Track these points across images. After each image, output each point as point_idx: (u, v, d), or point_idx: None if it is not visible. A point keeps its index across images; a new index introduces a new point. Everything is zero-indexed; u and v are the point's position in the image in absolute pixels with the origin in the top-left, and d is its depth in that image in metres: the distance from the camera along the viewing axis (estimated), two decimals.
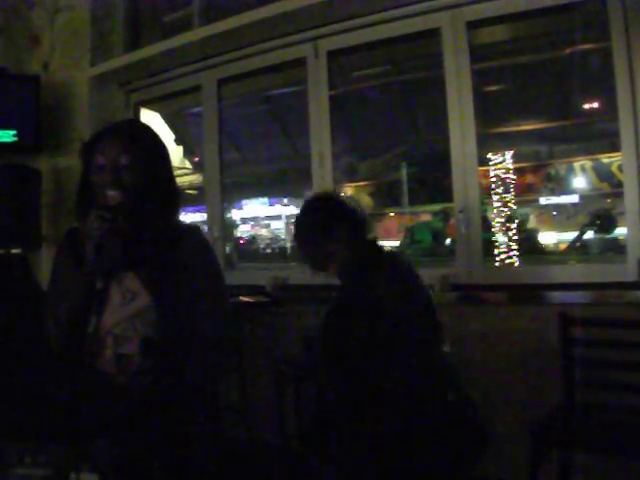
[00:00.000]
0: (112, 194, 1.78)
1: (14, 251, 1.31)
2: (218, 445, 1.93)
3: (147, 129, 2.01)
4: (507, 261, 5.35)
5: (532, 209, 7.26)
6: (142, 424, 1.70)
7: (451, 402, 2.07)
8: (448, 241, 7.32)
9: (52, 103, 4.64)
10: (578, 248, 6.52)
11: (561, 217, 7.60)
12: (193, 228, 2.07)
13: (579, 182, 7.43)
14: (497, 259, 5.32)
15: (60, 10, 4.81)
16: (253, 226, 10.55)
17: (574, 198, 7.63)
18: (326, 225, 2.29)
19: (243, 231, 10.27)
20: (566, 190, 7.52)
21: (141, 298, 1.83)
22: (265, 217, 10.51)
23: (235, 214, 9.36)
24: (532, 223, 7.39)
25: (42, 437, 1.28)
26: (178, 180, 2.04)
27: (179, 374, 1.80)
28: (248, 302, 3.66)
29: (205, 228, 4.42)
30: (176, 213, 1.99)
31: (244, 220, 10.42)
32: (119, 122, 2.06)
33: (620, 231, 6.02)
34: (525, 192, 7.17)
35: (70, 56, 4.76)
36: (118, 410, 1.72)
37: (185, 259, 1.88)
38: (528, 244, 6.58)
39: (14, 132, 4.41)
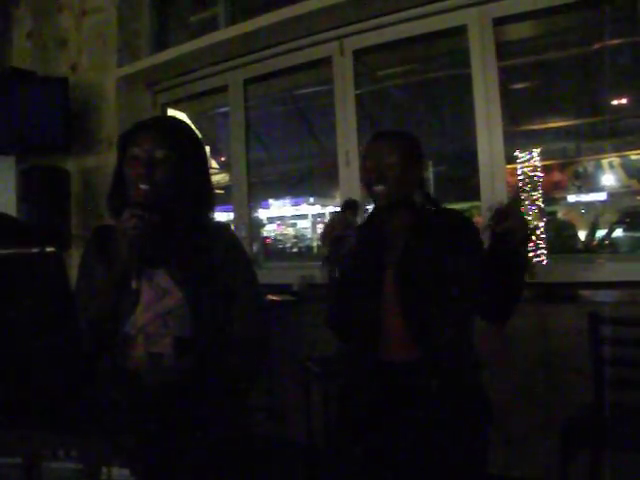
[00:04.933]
0: (144, 187, 1.76)
1: (48, 249, 1.32)
2: (247, 443, 1.93)
3: (184, 126, 2.01)
4: (535, 259, 5.30)
5: (560, 207, 7.17)
6: (173, 421, 1.71)
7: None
8: None
9: (80, 105, 4.69)
10: (607, 246, 6.44)
11: (589, 215, 7.51)
12: (224, 226, 2.07)
13: (607, 179, 7.34)
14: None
15: (87, 13, 4.86)
16: (279, 225, 10.58)
17: (602, 195, 7.54)
18: (421, 155, 2.26)
19: (269, 230, 10.29)
20: (594, 187, 7.43)
21: (172, 295, 1.82)
22: (291, 216, 10.53)
23: (261, 213, 9.38)
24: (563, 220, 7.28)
25: (75, 431, 1.30)
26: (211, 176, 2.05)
27: (212, 373, 1.80)
28: (275, 301, 3.67)
29: (232, 227, 4.44)
30: (210, 211, 1.98)
31: (270, 219, 10.44)
32: (157, 117, 2.06)
33: None
34: (552, 190, 7.10)
35: (97, 58, 4.81)
36: (149, 406, 1.73)
37: (217, 257, 1.87)
38: (561, 242, 6.51)
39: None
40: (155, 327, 1.82)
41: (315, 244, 9.81)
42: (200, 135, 2.00)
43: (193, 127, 2.04)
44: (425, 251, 2.09)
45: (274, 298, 3.68)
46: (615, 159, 7.05)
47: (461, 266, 2.04)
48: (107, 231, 1.90)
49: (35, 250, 1.37)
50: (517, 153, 6.05)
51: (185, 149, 1.86)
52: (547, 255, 5.33)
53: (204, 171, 1.96)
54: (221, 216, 7.11)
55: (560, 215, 6.70)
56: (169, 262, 1.86)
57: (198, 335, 1.80)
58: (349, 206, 2.15)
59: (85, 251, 1.98)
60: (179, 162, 1.82)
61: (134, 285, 1.76)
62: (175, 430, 1.71)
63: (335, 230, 2.07)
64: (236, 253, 1.96)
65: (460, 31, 3.61)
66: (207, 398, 1.78)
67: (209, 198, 1.97)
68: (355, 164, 3.96)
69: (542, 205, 6.16)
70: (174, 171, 1.81)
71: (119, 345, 1.82)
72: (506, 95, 3.62)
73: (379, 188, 2.15)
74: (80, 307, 1.83)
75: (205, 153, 2.01)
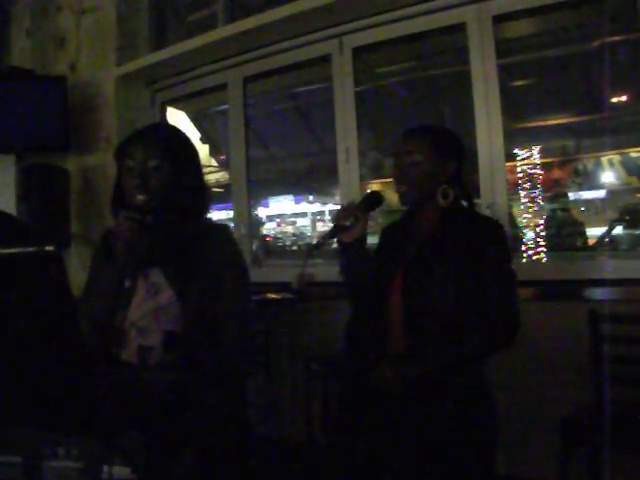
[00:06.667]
0: (140, 198, 1.84)
1: (48, 248, 1.34)
2: (246, 441, 1.94)
3: (176, 132, 2.07)
4: (535, 257, 5.30)
5: (560, 204, 7.16)
6: (168, 417, 1.73)
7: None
8: None
9: (79, 103, 4.68)
10: (607, 244, 6.44)
11: (589, 212, 7.51)
12: (221, 227, 2.11)
13: (607, 177, 7.34)
14: (525, 255, 5.28)
15: (86, 11, 4.85)
16: (279, 223, 10.57)
17: (602, 193, 7.54)
18: (453, 151, 2.15)
19: (269, 228, 10.29)
20: (594, 185, 7.43)
21: (164, 293, 1.89)
22: (291, 214, 10.51)
23: (261, 211, 9.37)
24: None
25: (75, 430, 1.30)
26: (205, 178, 2.10)
27: (201, 369, 1.83)
28: (274, 299, 3.67)
29: (231, 226, 4.43)
30: (204, 213, 2.04)
31: (270, 217, 10.43)
32: (148, 126, 2.13)
33: None
34: (552, 187, 7.09)
35: (96, 56, 4.80)
36: (146, 403, 1.75)
37: (211, 257, 1.91)
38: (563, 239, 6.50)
39: None
40: (147, 322, 1.88)
41: (315, 242, 9.79)
42: (199, 134, 2.03)
43: (185, 132, 2.09)
44: (435, 260, 2.00)
45: (274, 296, 3.67)
46: (615, 156, 7.05)
47: (472, 282, 1.94)
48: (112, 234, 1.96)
49: (35, 249, 1.37)
50: (517, 150, 6.05)
51: (177, 155, 1.93)
52: (546, 252, 5.33)
53: (198, 174, 2.02)
54: (221, 214, 7.12)
55: (560, 213, 6.66)
56: (164, 261, 1.91)
57: (187, 332, 1.85)
58: (369, 199, 2.13)
59: (94, 254, 2.06)
60: (172, 169, 1.90)
61: (127, 284, 1.86)
62: (173, 425, 1.73)
63: (340, 220, 2.06)
64: (229, 253, 2.00)
65: (459, 29, 3.61)
66: (196, 393, 1.81)
67: (204, 200, 2.03)
68: (355, 161, 3.96)
69: (542, 202, 6.17)
70: (168, 178, 1.88)
71: (114, 339, 1.89)
72: (506, 92, 3.62)
73: (400, 188, 2.12)
74: (84, 305, 1.92)
75: (198, 156, 2.07)
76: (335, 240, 2.12)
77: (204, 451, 1.77)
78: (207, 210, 2.06)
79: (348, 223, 2.06)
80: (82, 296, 1.97)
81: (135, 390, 1.80)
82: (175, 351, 1.84)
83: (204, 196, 2.02)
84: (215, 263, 1.91)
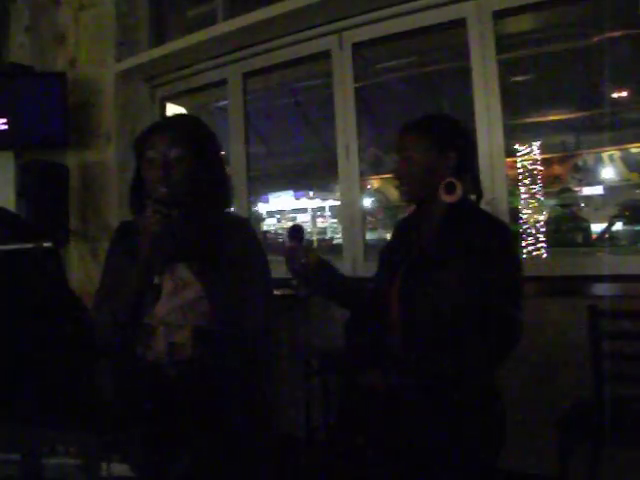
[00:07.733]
0: (162, 190, 1.82)
1: (45, 245, 1.34)
2: (250, 437, 1.93)
3: (197, 123, 2.05)
4: (535, 253, 5.30)
5: (564, 200, 7.14)
6: (177, 414, 1.73)
7: None
8: None
9: (79, 99, 4.68)
10: (607, 240, 6.43)
11: (589, 208, 7.49)
12: (242, 220, 2.12)
13: (607, 173, 7.33)
14: (525, 251, 5.28)
15: (85, 7, 4.84)
16: (279, 219, 10.56)
17: (602, 189, 7.53)
18: (462, 138, 2.09)
19: (269, 224, 10.28)
20: (594, 181, 7.42)
21: (192, 288, 1.88)
22: (291, 210, 10.50)
23: (261, 207, 9.36)
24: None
25: (74, 426, 1.30)
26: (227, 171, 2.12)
27: (227, 364, 1.83)
28: (275, 295, 3.66)
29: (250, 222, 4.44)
30: (227, 206, 2.05)
31: (270, 213, 10.43)
32: (170, 117, 2.14)
33: None
34: (553, 183, 7.08)
35: (96, 52, 4.79)
36: (155, 400, 1.75)
37: (234, 250, 1.91)
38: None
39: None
40: (174, 318, 1.87)
41: (315, 238, 9.81)
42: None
43: (206, 124, 2.06)
44: (433, 264, 1.94)
45: (274, 292, 3.67)
46: (615, 152, 7.04)
47: (473, 288, 1.86)
48: (129, 227, 1.97)
49: (32, 246, 1.37)
50: (517, 146, 6.04)
51: (199, 146, 1.91)
52: (546, 248, 5.33)
53: (219, 166, 2.01)
54: None
55: (560, 209, 6.66)
56: (189, 256, 1.90)
57: (215, 326, 1.84)
58: (294, 234, 2.10)
59: (110, 247, 2.05)
60: (194, 160, 1.87)
61: (156, 280, 1.83)
62: (177, 421, 1.73)
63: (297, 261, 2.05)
64: (252, 246, 2.01)
65: (459, 24, 3.59)
66: (224, 388, 1.82)
67: (226, 192, 2.02)
68: (354, 158, 3.95)
69: (541, 198, 6.16)
70: (190, 169, 1.86)
71: (140, 336, 1.87)
72: (506, 88, 3.61)
73: (399, 186, 2.07)
74: (103, 300, 1.91)
75: (219, 148, 2.06)
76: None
77: (206, 449, 1.77)
78: (230, 203, 2.06)
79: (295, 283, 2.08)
80: (101, 293, 1.96)
81: (150, 386, 1.81)
82: (205, 347, 1.83)
83: (226, 189, 2.02)
84: (240, 258, 1.91)
